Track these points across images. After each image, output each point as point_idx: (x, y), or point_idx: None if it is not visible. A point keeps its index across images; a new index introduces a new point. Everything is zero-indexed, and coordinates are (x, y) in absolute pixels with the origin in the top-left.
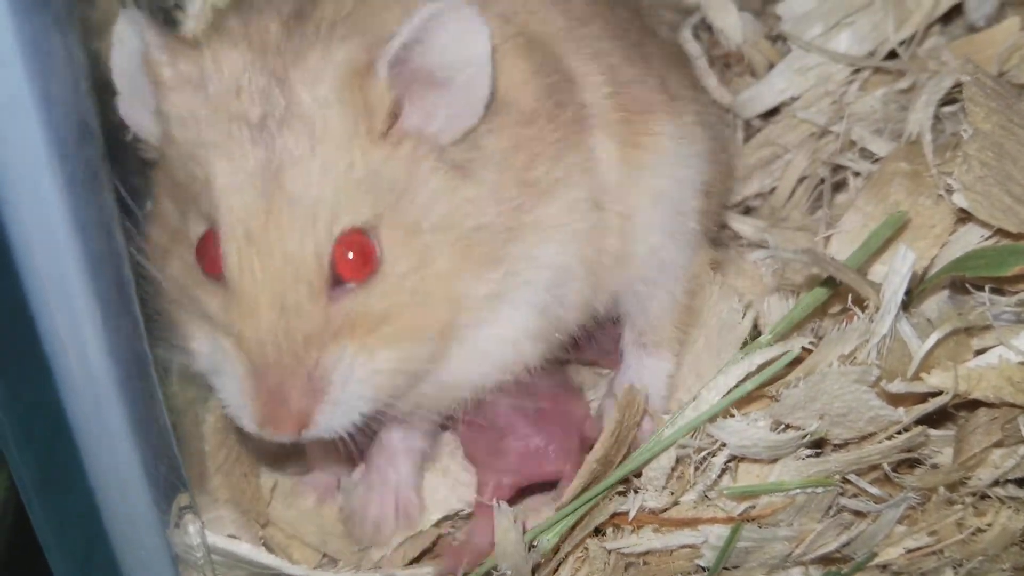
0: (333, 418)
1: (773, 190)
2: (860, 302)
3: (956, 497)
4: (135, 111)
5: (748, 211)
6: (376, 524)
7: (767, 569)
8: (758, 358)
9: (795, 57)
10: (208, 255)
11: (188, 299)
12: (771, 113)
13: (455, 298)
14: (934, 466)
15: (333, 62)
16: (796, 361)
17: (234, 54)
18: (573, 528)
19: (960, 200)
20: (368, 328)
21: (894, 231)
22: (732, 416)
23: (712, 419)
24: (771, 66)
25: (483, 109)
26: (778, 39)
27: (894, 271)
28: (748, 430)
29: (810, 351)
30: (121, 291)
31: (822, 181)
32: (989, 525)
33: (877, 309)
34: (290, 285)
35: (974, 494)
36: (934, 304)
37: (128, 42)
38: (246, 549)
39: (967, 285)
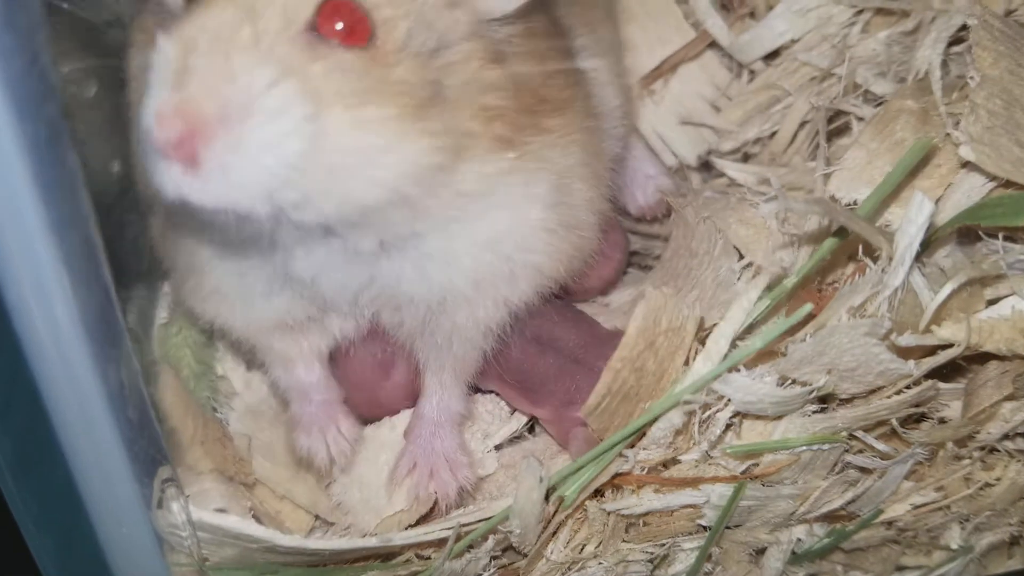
0: (228, 164)
1: (773, 135)
2: (871, 252)
3: (964, 452)
4: None
5: (747, 158)
6: (431, 495)
7: (770, 527)
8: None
9: None
10: None
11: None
12: (771, 57)
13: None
14: (942, 421)
15: None
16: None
17: None
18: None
19: (967, 153)
20: (332, 94)
21: (919, 159)
22: (738, 371)
23: (717, 375)
24: (771, 8)
25: None
26: None
27: (910, 220)
28: (754, 385)
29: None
30: (90, 256)
31: (828, 121)
32: (998, 479)
33: (890, 260)
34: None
35: (982, 448)
36: (945, 253)
37: None
38: (234, 522)
39: (979, 233)
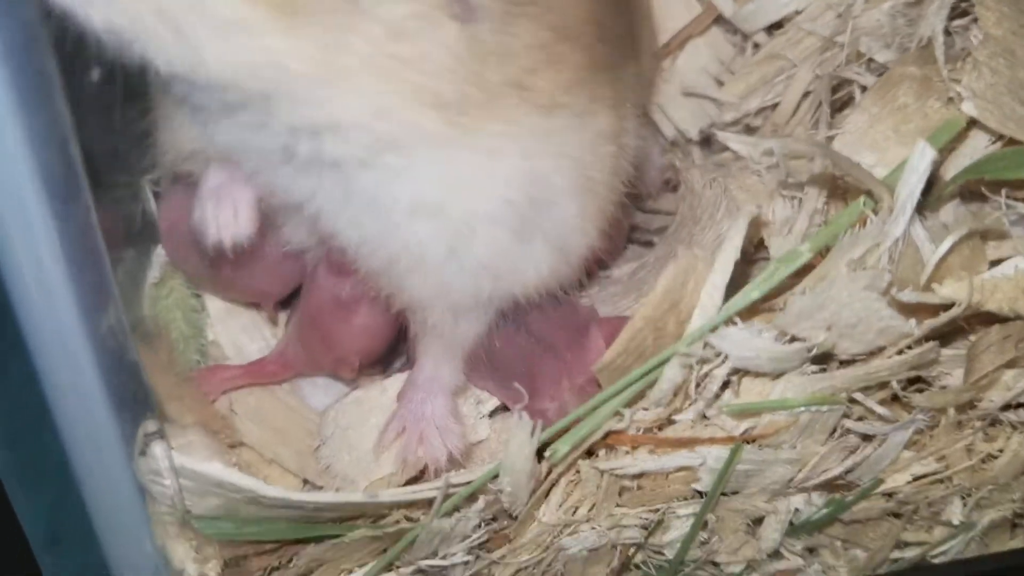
0: None
1: (775, 106)
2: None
3: (966, 420)
4: None
5: (750, 131)
6: (419, 460)
7: (768, 495)
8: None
9: None
10: None
11: None
12: (774, 28)
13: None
14: (943, 387)
15: None
16: (806, 271)
17: None
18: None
19: (970, 108)
20: None
21: (952, 137)
22: (735, 325)
23: (714, 329)
24: None
25: None
26: None
27: (911, 168)
28: (752, 340)
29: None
30: (80, 208)
31: (832, 91)
32: (1000, 451)
33: (891, 212)
34: None
35: (984, 418)
36: (949, 211)
37: None
38: (217, 469)
39: (983, 191)
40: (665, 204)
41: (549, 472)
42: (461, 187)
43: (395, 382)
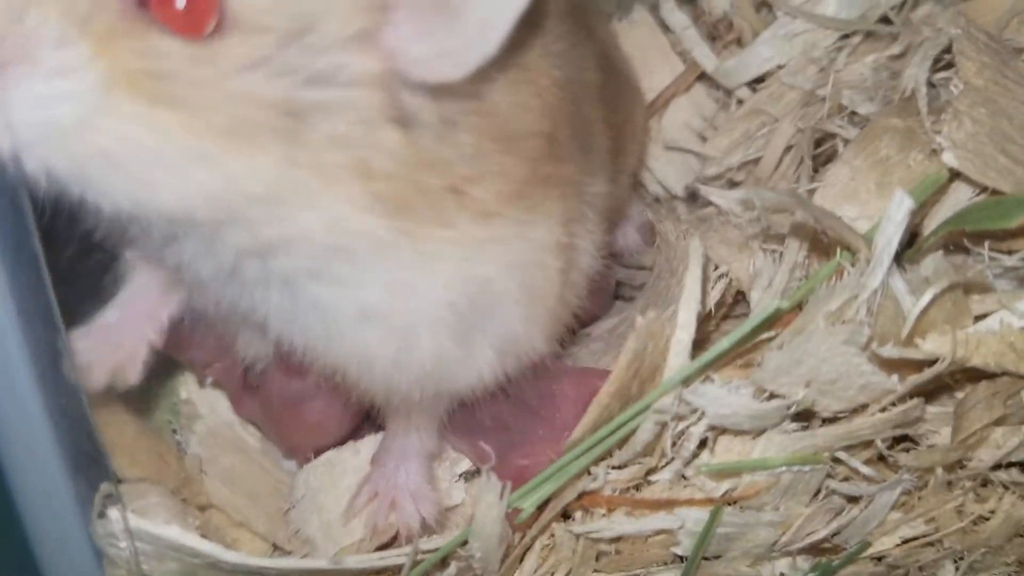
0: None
1: (758, 160)
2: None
3: (955, 480)
4: None
5: (732, 185)
6: (391, 526)
7: (751, 559)
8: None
9: (781, 24)
10: None
11: None
12: (756, 83)
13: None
14: (931, 446)
15: None
16: (784, 325)
17: None
18: (542, 509)
19: (950, 159)
20: (138, 77)
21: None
22: (711, 381)
23: (687, 383)
24: (757, 35)
25: (481, 61)
26: (763, 6)
27: (889, 219)
28: (728, 397)
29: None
30: (30, 264)
31: (816, 145)
32: (992, 512)
33: (868, 263)
34: None
35: (974, 478)
36: (930, 264)
37: None
38: (175, 533)
39: (966, 243)
40: (648, 260)
41: (524, 535)
42: (406, 292)
43: (369, 443)
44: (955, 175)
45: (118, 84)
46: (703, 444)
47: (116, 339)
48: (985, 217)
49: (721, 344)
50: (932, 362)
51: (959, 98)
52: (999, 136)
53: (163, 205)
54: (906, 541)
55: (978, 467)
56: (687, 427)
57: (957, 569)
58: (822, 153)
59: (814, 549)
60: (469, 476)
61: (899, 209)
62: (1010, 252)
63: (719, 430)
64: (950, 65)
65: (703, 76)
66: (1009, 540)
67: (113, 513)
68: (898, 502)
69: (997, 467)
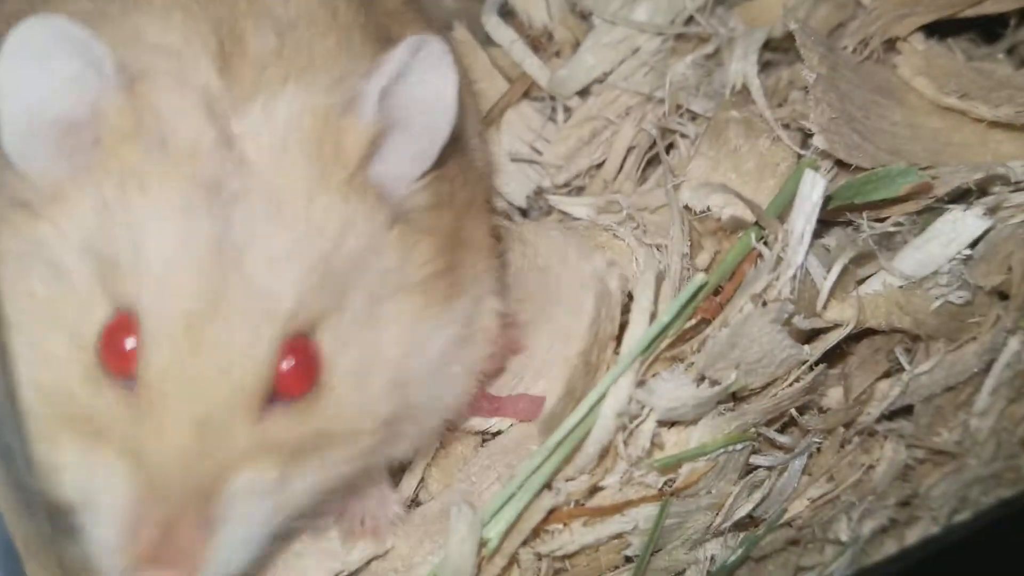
0: (230, 561)
1: (600, 165)
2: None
3: (847, 437)
4: (37, 144)
5: (578, 191)
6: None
7: (689, 546)
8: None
9: (601, 32)
10: (116, 348)
11: (62, 394)
12: (585, 92)
13: (406, 380)
14: (822, 410)
15: (292, 111)
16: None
17: (176, 100)
18: (507, 535)
19: (821, 142)
20: (292, 451)
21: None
22: (659, 376)
23: (641, 384)
24: (578, 44)
25: (436, 154)
26: (581, 17)
27: (804, 198)
28: (677, 390)
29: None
30: None
31: (651, 146)
32: (877, 460)
33: (784, 245)
34: (222, 397)
35: (861, 432)
36: (833, 237)
37: (66, 66)
38: None
39: (847, 215)
40: None
41: (487, 566)
42: None
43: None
44: (823, 155)
45: (280, 480)
46: (654, 440)
47: None
48: (874, 189)
49: (649, 332)
50: (834, 328)
51: (814, 86)
52: (847, 117)
53: None
54: (813, 501)
55: (865, 421)
56: (638, 425)
57: (850, 519)
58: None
59: (740, 525)
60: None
61: (813, 189)
62: (882, 220)
63: (665, 424)
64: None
65: (526, 91)
66: (891, 484)
67: None
68: (805, 466)
69: (880, 419)
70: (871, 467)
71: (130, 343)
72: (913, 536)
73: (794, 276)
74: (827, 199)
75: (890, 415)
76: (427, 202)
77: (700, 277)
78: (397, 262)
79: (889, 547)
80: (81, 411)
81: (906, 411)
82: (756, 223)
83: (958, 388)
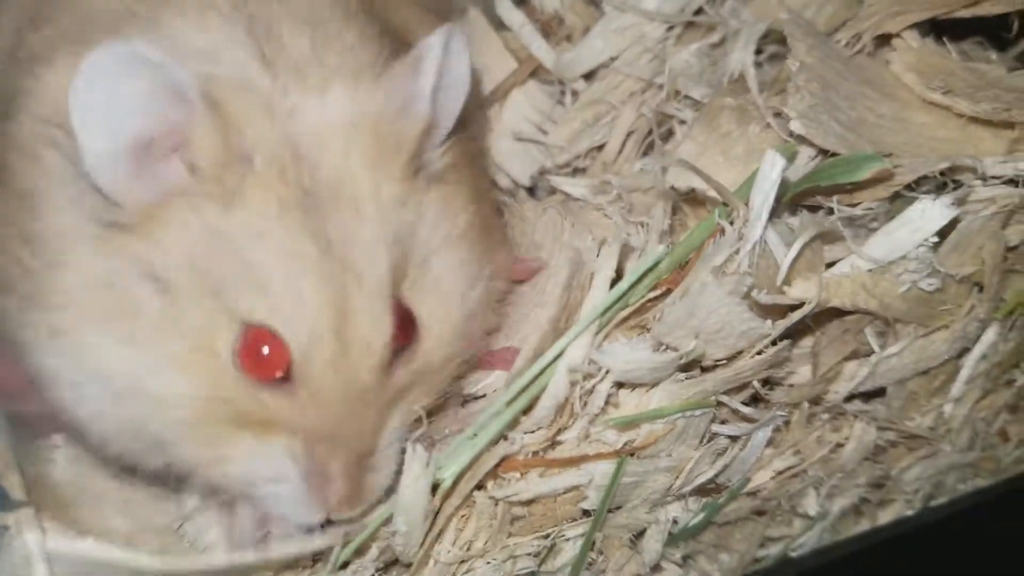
0: (385, 482)
1: (601, 147)
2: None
3: (815, 413)
4: (119, 167)
5: (578, 172)
6: None
7: (649, 506)
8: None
9: (610, 18)
10: (255, 358)
11: (212, 409)
12: (590, 78)
13: (469, 314)
14: (792, 385)
15: (346, 113)
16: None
17: (246, 111)
18: (458, 480)
19: (798, 127)
20: (409, 388)
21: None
22: (617, 340)
23: (598, 346)
24: (588, 30)
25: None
26: (591, 3)
27: (763, 176)
28: (632, 353)
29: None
30: None
31: (650, 132)
32: (846, 439)
33: (746, 220)
34: (368, 372)
35: (830, 410)
36: (796, 217)
37: (143, 89)
38: (87, 547)
39: (818, 199)
40: None
41: (443, 506)
42: None
43: None
44: (800, 140)
45: (408, 413)
46: (608, 400)
47: None
48: (839, 173)
49: (608, 297)
50: (800, 305)
51: (797, 74)
52: (830, 106)
53: None
54: (779, 473)
55: (834, 399)
56: (595, 384)
57: (819, 495)
58: (660, 134)
59: (701, 490)
60: None
61: (773, 168)
62: (853, 205)
63: (621, 385)
64: (760, 51)
65: (535, 73)
66: (860, 464)
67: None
68: (769, 439)
69: (849, 398)
70: (839, 445)
71: (266, 350)
72: (886, 517)
73: (752, 250)
74: (798, 182)
75: (863, 396)
76: (452, 160)
77: (661, 249)
78: (440, 217)
79: (863, 526)
80: (238, 411)
81: (879, 393)
82: (724, 202)
83: (932, 374)
